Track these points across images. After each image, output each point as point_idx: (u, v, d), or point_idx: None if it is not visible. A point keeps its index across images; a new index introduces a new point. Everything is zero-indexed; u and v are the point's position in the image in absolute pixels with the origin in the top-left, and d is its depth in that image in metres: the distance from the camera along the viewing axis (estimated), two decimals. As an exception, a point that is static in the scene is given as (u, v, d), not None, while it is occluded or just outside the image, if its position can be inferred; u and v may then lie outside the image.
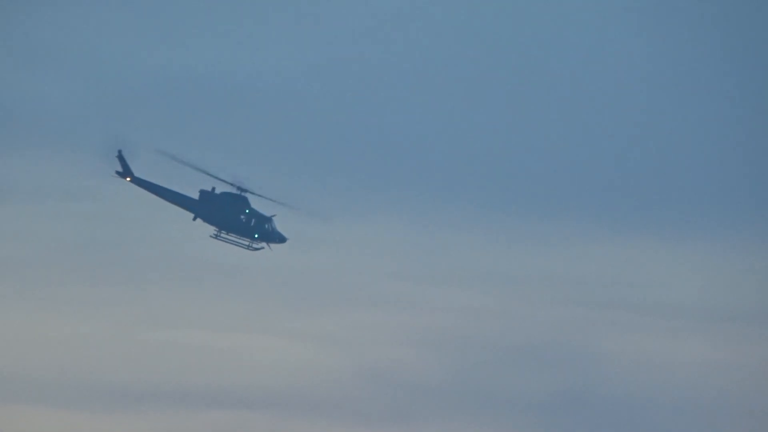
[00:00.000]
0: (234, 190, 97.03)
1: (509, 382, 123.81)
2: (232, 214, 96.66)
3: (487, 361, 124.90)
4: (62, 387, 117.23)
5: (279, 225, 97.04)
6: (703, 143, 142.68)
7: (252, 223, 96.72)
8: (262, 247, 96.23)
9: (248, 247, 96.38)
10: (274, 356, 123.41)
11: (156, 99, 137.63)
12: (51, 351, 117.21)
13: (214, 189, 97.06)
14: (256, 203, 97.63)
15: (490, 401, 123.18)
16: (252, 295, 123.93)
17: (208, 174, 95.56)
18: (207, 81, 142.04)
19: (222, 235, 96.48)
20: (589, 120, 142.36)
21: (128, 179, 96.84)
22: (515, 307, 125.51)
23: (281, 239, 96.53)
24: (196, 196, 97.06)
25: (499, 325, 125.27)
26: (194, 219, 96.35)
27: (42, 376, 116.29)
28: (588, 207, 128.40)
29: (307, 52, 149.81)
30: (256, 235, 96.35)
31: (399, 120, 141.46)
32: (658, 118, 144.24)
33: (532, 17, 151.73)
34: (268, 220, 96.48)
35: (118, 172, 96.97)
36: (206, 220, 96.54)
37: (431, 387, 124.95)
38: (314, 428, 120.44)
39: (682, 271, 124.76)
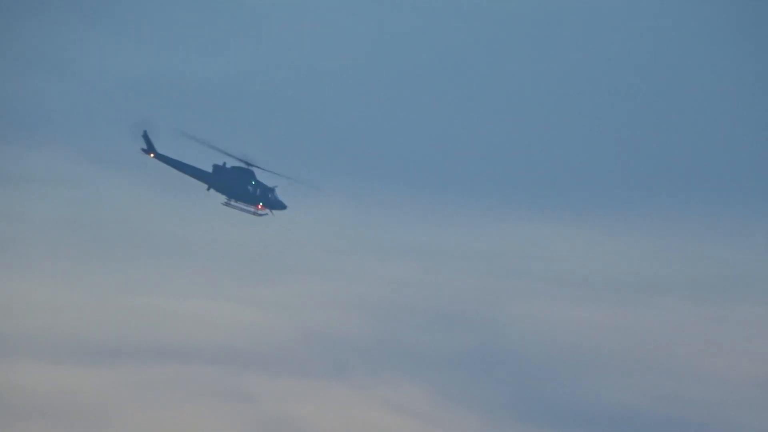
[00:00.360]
0: (242, 165, 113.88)
1: (431, 343, 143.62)
2: (240, 185, 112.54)
3: (413, 324, 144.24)
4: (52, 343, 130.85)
5: (280, 194, 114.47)
6: (599, 123, 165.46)
7: (257, 193, 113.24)
8: (266, 213, 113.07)
9: (254, 214, 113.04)
10: (230, 319, 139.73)
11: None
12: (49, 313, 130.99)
13: (225, 163, 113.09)
14: (260, 176, 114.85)
15: (415, 359, 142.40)
16: (214, 264, 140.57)
17: (220, 150, 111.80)
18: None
19: (232, 202, 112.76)
20: (495, 100, 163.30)
21: (152, 155, 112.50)
22: (438, 278, 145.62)
23: (282, 206, 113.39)
24: (209, 169, 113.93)
25: (424, 294, 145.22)
26: (208, 189, 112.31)
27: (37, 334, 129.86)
28: (503, 191, 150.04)
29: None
30: (261, 203, 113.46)
31: (340, 108, 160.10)
32: (554, 98, 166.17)
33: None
34: (271, 190, 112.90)
35: (143, 149, 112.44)
36: (218, 190, 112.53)
37: (365, 347, 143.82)
38: (263, 380, 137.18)
39: (583, 246, 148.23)
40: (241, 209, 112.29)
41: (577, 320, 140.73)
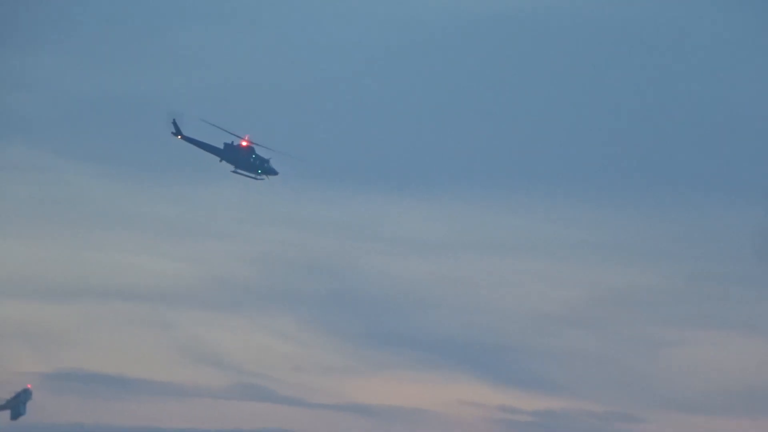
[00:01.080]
0: (244, 142, 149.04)
1: (305, 286, 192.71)
2: (244, 158, 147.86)
3: (291, 273, 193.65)
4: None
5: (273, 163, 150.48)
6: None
7: (256, 163, 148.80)
8: (263, 178, 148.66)
9: (255, 178, 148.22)
10: (158, 269, 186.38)
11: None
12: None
13: (233, 141, 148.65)
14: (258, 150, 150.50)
15: (292, 298, 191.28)
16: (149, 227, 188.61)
17: (229, 132, 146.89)
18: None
19: (238, 170, 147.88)
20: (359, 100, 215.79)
21: (179, 137, 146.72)
22: (310, 239, 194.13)
23: (274, 173, 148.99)
24: (221, 146, 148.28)
25: (299, 251, 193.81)
26: (220, 161, 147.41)
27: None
28: (361, 175, 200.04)
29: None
30: (259, 171, 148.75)
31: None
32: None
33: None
34: (266, 161, 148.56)
35: (172, 132, 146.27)
36: (228, 161, 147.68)
37: (255, 289, 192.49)
38: (181, 313, 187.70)
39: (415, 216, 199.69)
40: (245, 175, 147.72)
41: (411, 270, 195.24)
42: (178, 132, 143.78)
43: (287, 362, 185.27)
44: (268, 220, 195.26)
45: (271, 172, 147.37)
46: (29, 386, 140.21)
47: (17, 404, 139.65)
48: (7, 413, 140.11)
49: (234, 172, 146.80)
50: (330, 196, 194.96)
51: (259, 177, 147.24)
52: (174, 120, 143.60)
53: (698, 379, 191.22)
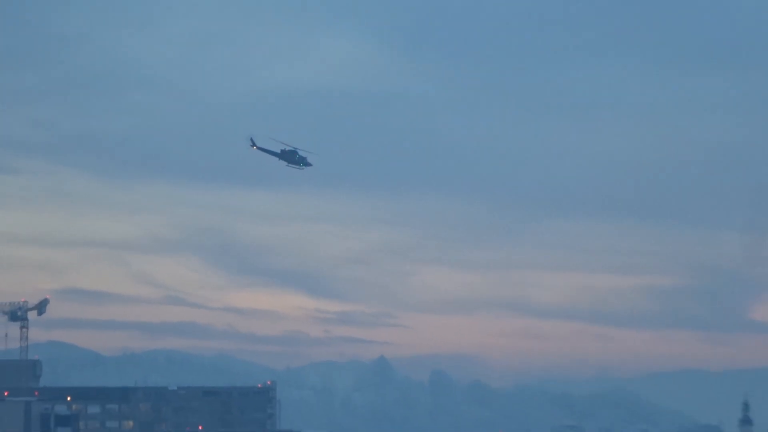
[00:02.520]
0: (290, 148, 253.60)
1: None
2: (291, 157, 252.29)
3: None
4: None
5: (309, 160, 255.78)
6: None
7: (298, 160, 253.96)
8: (303, 169, 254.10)
9: (298, 169, 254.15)
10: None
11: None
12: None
13: (285, 148, 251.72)
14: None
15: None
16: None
17: (283, 143, 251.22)
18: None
19: (288, 165, 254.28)
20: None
21: (255, 147, 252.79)
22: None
23: (309, 165, 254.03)
24: (279, 151, 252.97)
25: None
26: (279, 160, 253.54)
27: None
28: None
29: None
30: (301, 164, 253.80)
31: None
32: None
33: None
34: (304, 158, 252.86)
35: (251, 145, 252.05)
36: (283, 159, 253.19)
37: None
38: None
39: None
40: (293, 168, 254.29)
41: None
42: (254, 144, 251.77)
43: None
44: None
45: (308, 164, 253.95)
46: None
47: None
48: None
49: (287, 166, 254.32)
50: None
51: (301, 169, 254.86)
52: (251, 138, 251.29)
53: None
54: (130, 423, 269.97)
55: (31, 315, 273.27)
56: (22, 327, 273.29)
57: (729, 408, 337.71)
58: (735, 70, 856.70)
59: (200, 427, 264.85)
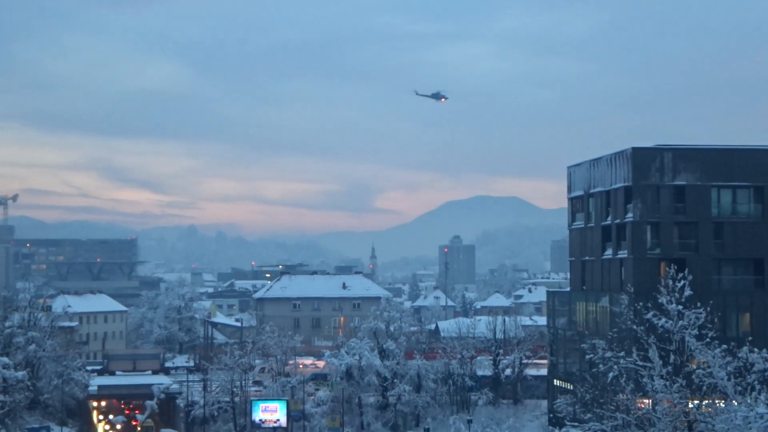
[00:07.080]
0: (437, 92, 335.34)
1: None
2: (437, 97, 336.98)
3: None
4: None
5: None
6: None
7: (440, 97, 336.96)
8: (442, 101, 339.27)
9: (436, 101, 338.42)
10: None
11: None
12: None
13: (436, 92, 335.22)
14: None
15: None
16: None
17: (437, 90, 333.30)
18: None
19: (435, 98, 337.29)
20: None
21: (417, 93, 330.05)
22: None
23: (446, 97, 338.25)
24: (430, 94, 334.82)
25: None
26: (429, 97, 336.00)
27: None
28: None
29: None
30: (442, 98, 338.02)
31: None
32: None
33: None
34: (444, 95, 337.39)
35: (416, 93, 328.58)
36: (431, 97, 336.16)
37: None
38: None
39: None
40: (436, 100, 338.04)
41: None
42: (418, 93, 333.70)
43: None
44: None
45: (443, 98, 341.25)
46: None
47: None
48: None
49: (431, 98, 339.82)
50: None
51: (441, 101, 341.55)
52: (415, 90, 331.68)
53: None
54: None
55: None
56: None
57: None
58: None
59: (98, 260, 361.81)
